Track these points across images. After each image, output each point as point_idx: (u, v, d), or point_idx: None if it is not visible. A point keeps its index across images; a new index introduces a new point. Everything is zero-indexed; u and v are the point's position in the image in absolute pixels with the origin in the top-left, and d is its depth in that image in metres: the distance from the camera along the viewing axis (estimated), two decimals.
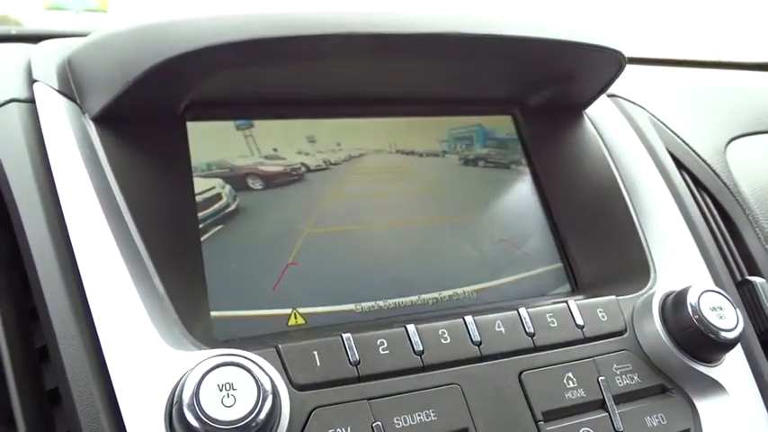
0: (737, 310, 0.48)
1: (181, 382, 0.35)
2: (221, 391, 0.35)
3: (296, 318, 0.48)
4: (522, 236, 0.58)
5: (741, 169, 0.74)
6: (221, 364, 0.36)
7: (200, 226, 0.48)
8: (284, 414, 0.37)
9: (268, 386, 0.36)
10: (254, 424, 0.35)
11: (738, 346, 0.51)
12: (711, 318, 0.47)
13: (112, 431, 0.37)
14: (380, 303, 0.50)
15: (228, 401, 0.35)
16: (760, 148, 0.80)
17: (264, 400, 0.35)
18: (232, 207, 0.50)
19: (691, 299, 0.47)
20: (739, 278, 0.59)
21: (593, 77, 0.57)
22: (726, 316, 0.47)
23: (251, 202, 0.50)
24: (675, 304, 0.48)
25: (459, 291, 0.53)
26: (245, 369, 0.36)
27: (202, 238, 0.48)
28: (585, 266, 0.57)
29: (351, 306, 0.49)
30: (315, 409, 0.39)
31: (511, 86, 0.60)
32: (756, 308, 0.57)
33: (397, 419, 0.40)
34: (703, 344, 0.47)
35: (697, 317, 0.47)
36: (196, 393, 0.35)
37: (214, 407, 0.34)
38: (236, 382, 0.35)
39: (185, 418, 0.34)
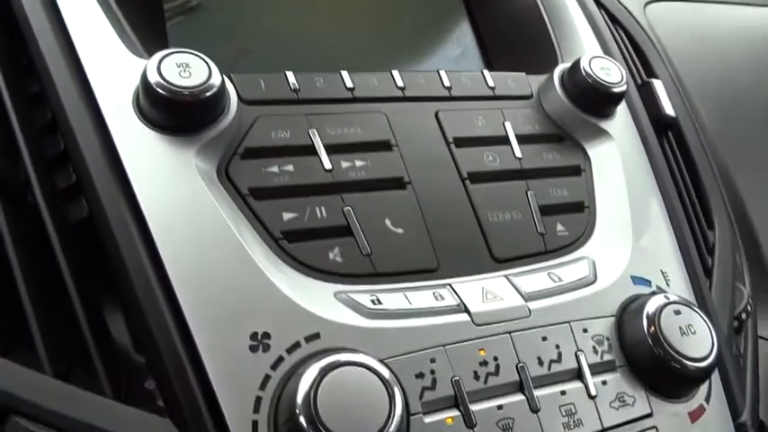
0: (623, 70, 0.56)
1: (145, 69, 0.43)
2: (179, 67, 0.43)
3: None
4: (452, 55, 0.67)
5: (657, 28, 0.83)
6: (180, 51, 0.44)
7: (166, 15, 0.56)
8: (232, 109, 0.46)
9: (218, 72, 0.44)
10: (208, 93, 0.43)
11: (627, 113, 0.60)
12: (601, 75, 0.55)
13: (94, 124, 0.44)
14: None
15: (185, 75, 0.43)
16: (677, 13, 0.89)
17: (216, 75, 0.43)
18: (193, 3, 0.58)
19: (583, 63, 0.56)
20: (640, 82, 0.68)
21: None
22: (613, 74, 0.56)
23: (210, 2, 0.58)
24: (572, 69, 0.57)
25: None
26: (201, 58, 0.44)
27: (168, 24, 0.56)
28: None
29: None
30: (259, 117, 0.48)
31: None
32: (652, 102, 0.66)
33: (329, 129, 0.49)
34: (596, 99, 0.56)
35: (591, 78, 0.56)
36: (158, 68, 0.43)
37: (174, 77, 0.43)
38: (191, 63, 0.43)
39: (151, 89, 0.42)
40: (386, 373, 0.38)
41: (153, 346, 0.39)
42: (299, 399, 0.36)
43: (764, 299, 0.67)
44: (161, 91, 0.42)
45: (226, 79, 0.46)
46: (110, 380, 0.41)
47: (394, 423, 0.36)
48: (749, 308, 0.57)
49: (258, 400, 0.38)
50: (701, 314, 0.47)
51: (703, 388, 0.47)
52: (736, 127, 0.81)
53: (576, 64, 0.56)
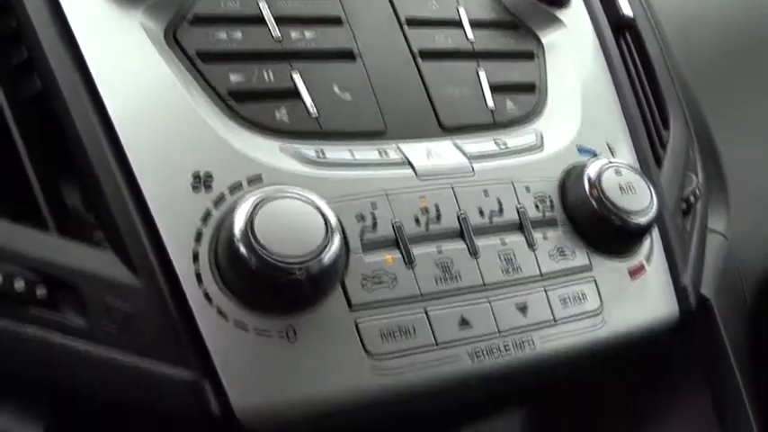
0: None
1: None
2: None
3: None
4: None
5: None
6: None
7: None
8: None
9: None
10: None
11: (584, 9, 0.60)
12: None
13: None
14: None
15: None
16: None
17: None
18: None
19: None
20: None
21: None
22: None
23: None
24: None
25: None
26: None
27: None
28: None
29: None
30: None
31: None
32: (610, 4, 0.66)
33: (279, 1, 0.49)
34: None
35: None
36: None
37: None
38: None
39: None
40: (323, 205, 0.38)
41: (98, 191, 0.40)
42: (237, 225, 0.37)
43: (718, 197, 0.68)
44: None
45: None
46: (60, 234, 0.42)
47: (332, 250, 0.37)
48: (698, 192, 0.58)
49: (199, 233, 0.38)
50: (642, 175, 0.48)
51: (644, 248, 0.49)
52: (698, 45, 0.81)
53: None
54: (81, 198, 0.44)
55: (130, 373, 0.37)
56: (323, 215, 0.38)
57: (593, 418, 0.62)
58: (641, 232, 0.47)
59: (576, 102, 0.54)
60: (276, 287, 0.36)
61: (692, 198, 0.57)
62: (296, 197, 0.38)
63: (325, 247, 0.37)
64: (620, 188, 0.46)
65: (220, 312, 0.37)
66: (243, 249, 0.36)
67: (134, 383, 0.37)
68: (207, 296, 0.37)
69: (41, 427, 0.40)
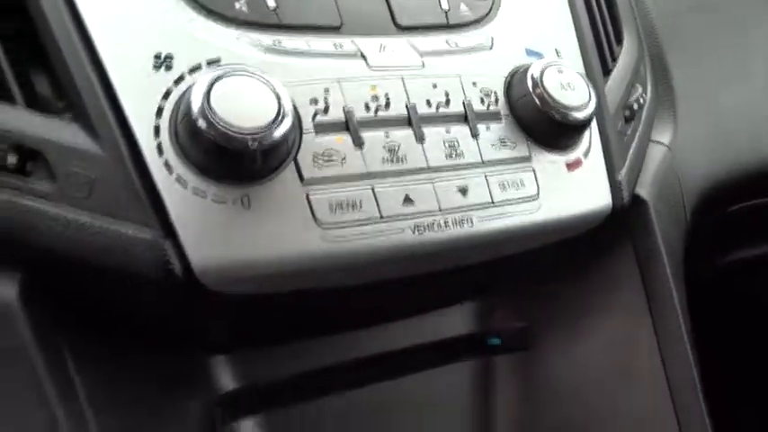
0: None
1: None
2: None
3: None
4: None
5: None
6: None
7: None
8: None
9: None
10: None
11: None
12: None
13: None
14: None
15: None
16: None
17: None
18: None
19: None
20: None
21: None
22: None
23: None
24: None
25: None
26: None
27: None
28: None
29: None
30: None
31: None
32: None
33: None
34: None
35: None
36: None
37: None
38: None
39: None
40: (277, 84, 0.41)
41: (65, 70, 0.42)
42: (196, 97, 0.39)
43: (666, 111, 0.71)
44: None
45: None
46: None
47: (283, 125, 0.40)
48: (642, 100, 0.61)
49: (160, 108, 0.41)
50: (582, 75, 0.51)
51: (583, 145, 0.52)
52: None
53: None
54: (50, 86, 0.47)
55: (97, 233, 0.40)
56: (276, 94, 0.41)
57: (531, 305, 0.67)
58: (579, 127, 0.50)
59: (529, 9, 0.57)
60: (231, 157, 0.39)
61: (635, 105, 0.61)
62: (252, 76, 0.41)
63: (278, 121, 0.40)
64: (561, 85, 0.49)
65: (180, 181, 0.40)
66: (201, 120, 0.39)
67: (101, 244, 0.40)
68: (167, 165, 0.40)
69: (17, 280, 0.43)
